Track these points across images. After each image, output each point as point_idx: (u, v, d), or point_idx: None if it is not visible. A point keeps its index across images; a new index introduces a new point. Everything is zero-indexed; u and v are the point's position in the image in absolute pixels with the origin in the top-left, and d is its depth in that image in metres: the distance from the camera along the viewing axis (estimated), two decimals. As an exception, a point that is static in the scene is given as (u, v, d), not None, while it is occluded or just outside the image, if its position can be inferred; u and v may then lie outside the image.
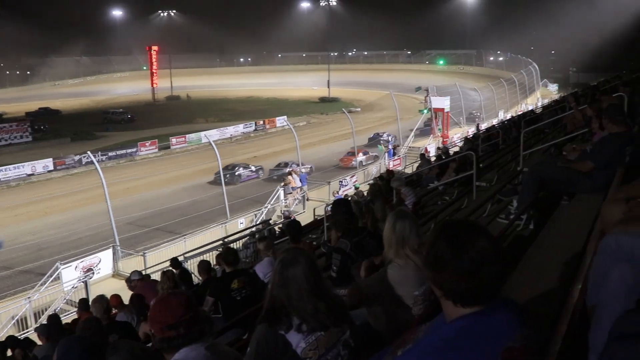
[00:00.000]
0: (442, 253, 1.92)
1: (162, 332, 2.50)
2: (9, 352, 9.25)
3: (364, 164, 30.59)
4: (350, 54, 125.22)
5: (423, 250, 2.09)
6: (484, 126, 38.32)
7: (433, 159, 23.20)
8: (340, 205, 5.49)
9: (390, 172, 21.56)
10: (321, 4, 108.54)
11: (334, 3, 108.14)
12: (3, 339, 11.40)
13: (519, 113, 38.51)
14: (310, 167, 31.68)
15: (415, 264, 3.67)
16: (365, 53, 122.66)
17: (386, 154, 32.15)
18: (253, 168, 33.82)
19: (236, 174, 31.92)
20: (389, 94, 42.54)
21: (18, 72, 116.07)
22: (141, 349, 4.69)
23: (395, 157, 31.98)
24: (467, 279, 1.88)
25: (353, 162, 31.19)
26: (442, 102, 41.49)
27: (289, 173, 25.69)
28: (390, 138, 34.75)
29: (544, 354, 2.14)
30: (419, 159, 26.03)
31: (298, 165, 28.20)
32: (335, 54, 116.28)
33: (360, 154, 28.71)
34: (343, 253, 4.90)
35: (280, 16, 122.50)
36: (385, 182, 15.41)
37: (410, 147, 35.61)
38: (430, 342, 2.03)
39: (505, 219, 6.57)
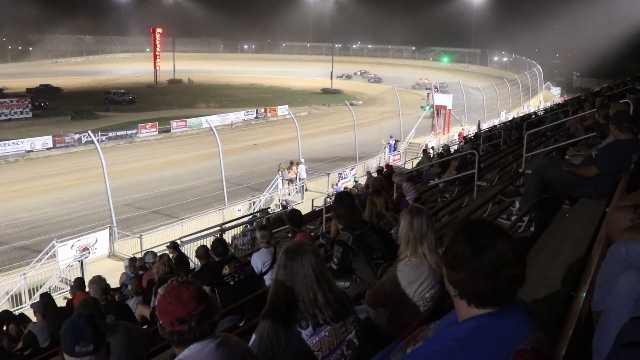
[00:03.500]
0: (460, 252, 1.91)
1: (172, 325, 2.37)
2: (4, 327, 9.26)
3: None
4: (354, 46, 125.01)
5: (442, 248, 2.08)
6: (485, 126, 38.35)
7: (433, 155, 23.22)
8: (344, 197, 5.48)
9: (389, 167, 21.61)
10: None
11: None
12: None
13: (521, 115, 38.48)
14: (393, 139, 33.30)
15: (430, 264, 3.66)
16: (370, 46, 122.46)
17: (386, 149, 32.12)
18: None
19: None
20: (392, 88, 42.44)
21: (20, 47, 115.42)
22: (137, 331, 4.72)
23: (395, 152, 31.95)
24: (485, 280, 1.87)
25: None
26: (445, 100, 41.44)
27: (290, 164, 25.61)
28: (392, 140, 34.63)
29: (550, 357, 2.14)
30: (419, 155, 26.00)
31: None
32: (340, 45, 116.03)
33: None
34: (344, 246, 4.87)
35: (286, 5, 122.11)
36: (384, 177, 15.45)
37: (410, 142, 35.56)
38: (441, 342, 2.01)
39: (507, 219, 6.58)
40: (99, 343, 2.61)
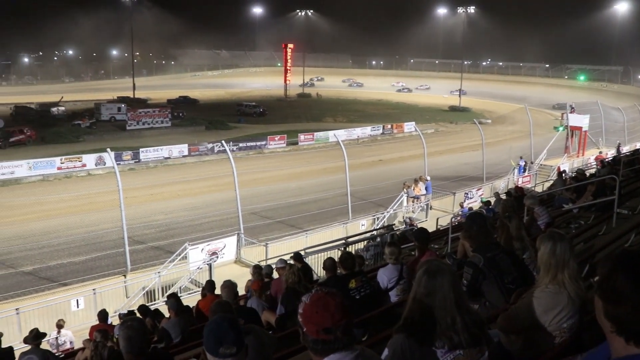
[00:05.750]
0: (621, 286, 1.78)
1: (317, 334, 2.40)
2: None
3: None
4: (484, 63, 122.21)
5: (597, 280, 1.95)
6: (625, 149, 35.97)
7: (566, 179, 22.10)
8: (476, 218, 5.35)
9: (519, 189, 20.80)
10: (459, 10, 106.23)
11: (472, 11, 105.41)
12: (135, 308, 12.28)
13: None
14: (523, 160, 32.08)
15: (569, 293, 3.50)
16: (501, 64, 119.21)
17: (516, 170, 30.96)
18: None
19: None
20: (523, 107, 40.95)
21: (163, 62, 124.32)
22: (266, 336, 4.88)
23: (525, 174, 30.73)
24: None
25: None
26: (580, 120, 39.36)
27: (415, 181, 25.34)
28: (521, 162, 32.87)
29: None
30: (551, 178, 24.84)
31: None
32: (469, 62, 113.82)
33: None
34: (475, 267, 4.75)
35: (415, 21, 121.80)
36: (514, 199, 14.91)
37: (541, 164, 34.04)
38: None
39: (653, 251, 6.12)
40: (240, 346, 2.73)
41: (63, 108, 61.42)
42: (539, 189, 25.83)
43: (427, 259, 3.22)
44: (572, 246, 3.68)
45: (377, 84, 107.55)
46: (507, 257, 4.95)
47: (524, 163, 31.72)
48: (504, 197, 17.78)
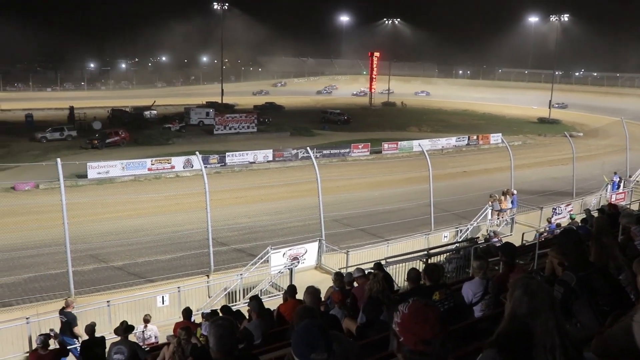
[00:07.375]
0: None
1: (415, 345, 2.39)
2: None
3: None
4: (577, 74, 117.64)
5: None
6: None
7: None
8: (571, 234, 5.13)
9: (612, 206, 19.85)
10: (551, 19, 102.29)
11: (566, 19, 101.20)
12: (217, 307, 12.59)
13: None
14: (617, 176, 30.45)
15: None
16: (595, 74, 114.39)
17: (609, 186, 29.51)
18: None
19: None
20: (619, 120, 39.05)
21: (251, 69, 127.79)
22: (350, 344, 4.87)
23: (620, 191, 29.24)
24: None
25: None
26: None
27: (502, 194, 24.70)
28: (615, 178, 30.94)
29: None
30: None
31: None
32: (561, 73, 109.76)
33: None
34: (567, 286, 4.56)
35: (505, 30, 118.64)
36: (607, 216, 14.23)
37: (638, 181, 32.25)
38: None
39: None
40: (330, 352, 2.74)
41: (155, 112, 64.32)
42: (634, 207, 24.55)
43: (521, 276, 3.10)
44: None
45: (464, 94, 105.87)
46: (602, 278, 4.72)
47: (618, 179, 30.18)
48: (595, 214, 17.04)
